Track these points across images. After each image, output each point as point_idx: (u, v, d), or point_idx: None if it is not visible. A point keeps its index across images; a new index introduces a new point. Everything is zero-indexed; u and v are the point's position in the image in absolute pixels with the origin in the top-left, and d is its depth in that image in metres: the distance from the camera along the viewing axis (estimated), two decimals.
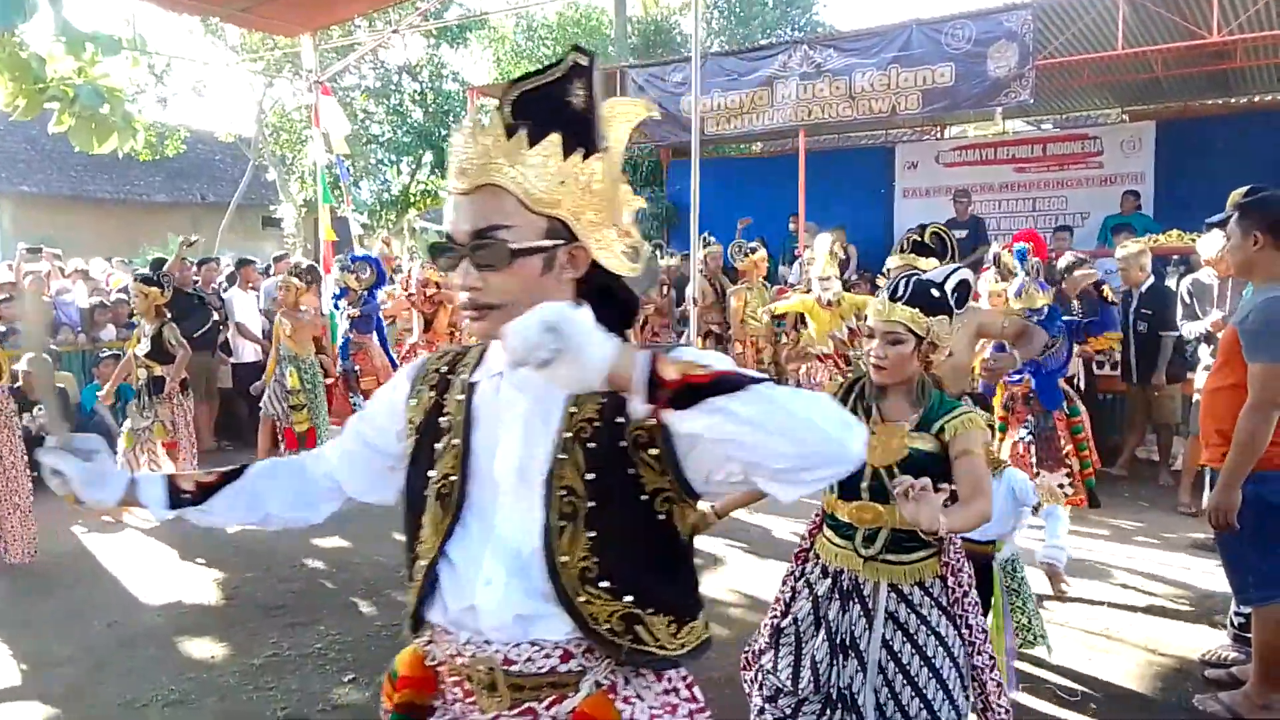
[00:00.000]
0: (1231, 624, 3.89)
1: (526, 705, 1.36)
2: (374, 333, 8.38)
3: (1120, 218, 9.96)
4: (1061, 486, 4.74)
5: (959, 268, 2.65)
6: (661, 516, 1.34)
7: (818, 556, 2.61)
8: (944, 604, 2.47)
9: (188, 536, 5.76)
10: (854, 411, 2.52)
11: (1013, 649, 3.46)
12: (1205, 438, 3.55)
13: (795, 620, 2.57)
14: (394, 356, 8.52)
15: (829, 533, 2.57)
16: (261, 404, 7.43)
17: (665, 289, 9.27)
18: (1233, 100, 11.62)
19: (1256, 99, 11.54)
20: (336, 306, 8.70)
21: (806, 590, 2.60)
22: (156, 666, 4.08)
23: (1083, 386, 7.06)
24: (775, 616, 2.67)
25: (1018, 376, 5.04)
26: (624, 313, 1.44)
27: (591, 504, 1.31)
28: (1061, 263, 6.49)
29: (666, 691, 1.42)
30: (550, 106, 1.30)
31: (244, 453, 8.11)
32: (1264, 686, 3.38)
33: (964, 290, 2.64)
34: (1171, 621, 4.35)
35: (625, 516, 1.32)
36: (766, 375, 1.19)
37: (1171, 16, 8.82)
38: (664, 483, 1.32)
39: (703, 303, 8.09)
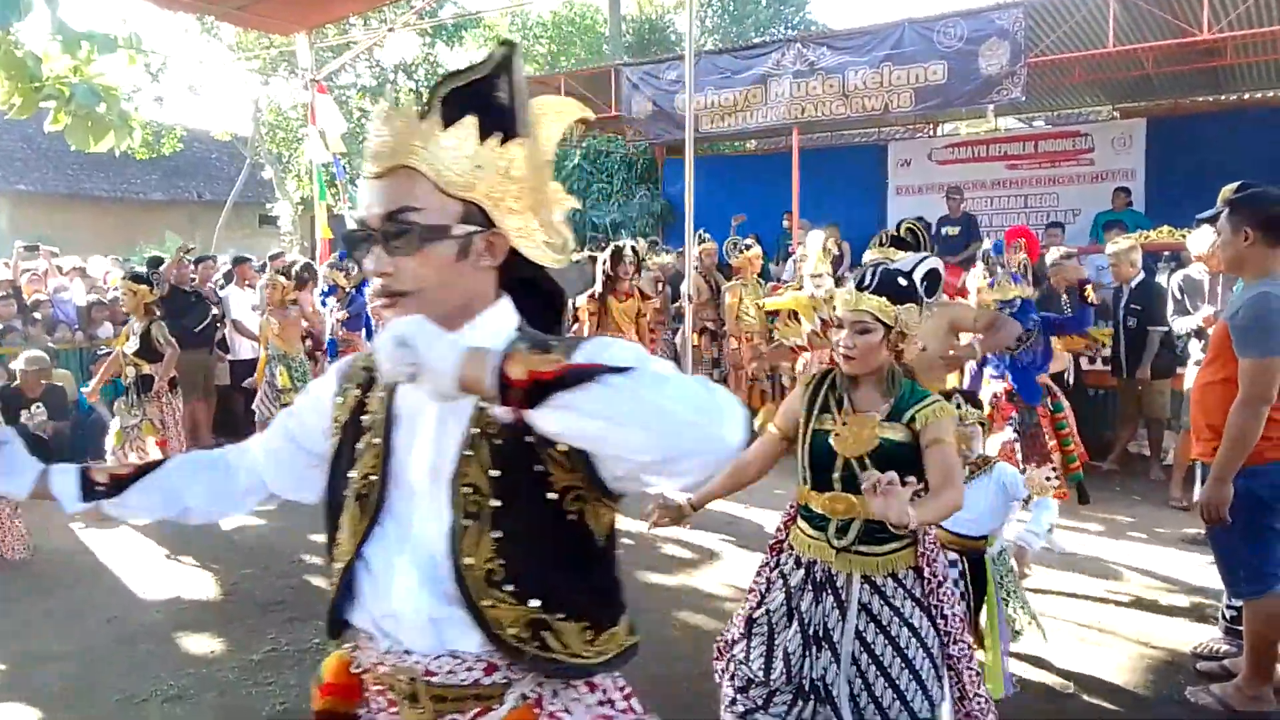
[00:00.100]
0: (1223, 617, 3.92)
1: (449, 717, 1.32)
2: (363, 330, 8.38)
3: (1111, 214, 10.01)
4: (1049, 480, 4.76)
5: (927, 257, 2.66)
6: (572, 516, 1.28)
7: (792, 548, 2.62)
8: (917, 595, 2.48)
9: (186, 534, 5.75)
10: (825, 403, 2.54)
11: (1007, 649, 3.47)
12: (1196, 432, 3.58)
13: (768, 611, 2.58)
14: None
15: (803, 524, 2.58)
16: (255, 406, 7.42)
17: (661, 286, 9.29)
18: (1223, 97, 11.68)
19: (1247, 96, 11.60)
20: (324, 304, 8.71)
21: (780, 581, 2.61)
22: (155, 663, 4.09)
23: (1073, 382, 7.11)
24: (749, 607, 2.67)
25: (997, 374, 5.07)
26: (549, 305, 1.41)
27: (496, 503, 1.26)
28: (1049, 257, 6.53)
29: (601, 703, 1.37)
30: (472, 95, 1.27)
31: None
32: (1255, 678, 3.41)
33: (933, 279, 2.65)
34: (1163, 615, 4.38)
35: (532, 515, 1.26)
36: (637, 365, 1.09)
37: (1162, 14, 8.87)
38: (574, 480, 1.26)
39: (698, 299, 8.11)
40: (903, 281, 2.52)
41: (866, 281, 2.50)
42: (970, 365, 5.10)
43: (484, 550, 1.26)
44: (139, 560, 5.54)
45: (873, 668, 2.41)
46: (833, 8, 60.39)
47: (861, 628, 2.45)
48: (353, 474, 1.37)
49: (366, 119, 21.83)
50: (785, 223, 11.09)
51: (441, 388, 1.08)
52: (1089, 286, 5.38)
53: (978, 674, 2.55)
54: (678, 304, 8.50)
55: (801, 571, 2.56)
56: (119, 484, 1.53)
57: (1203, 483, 3.41)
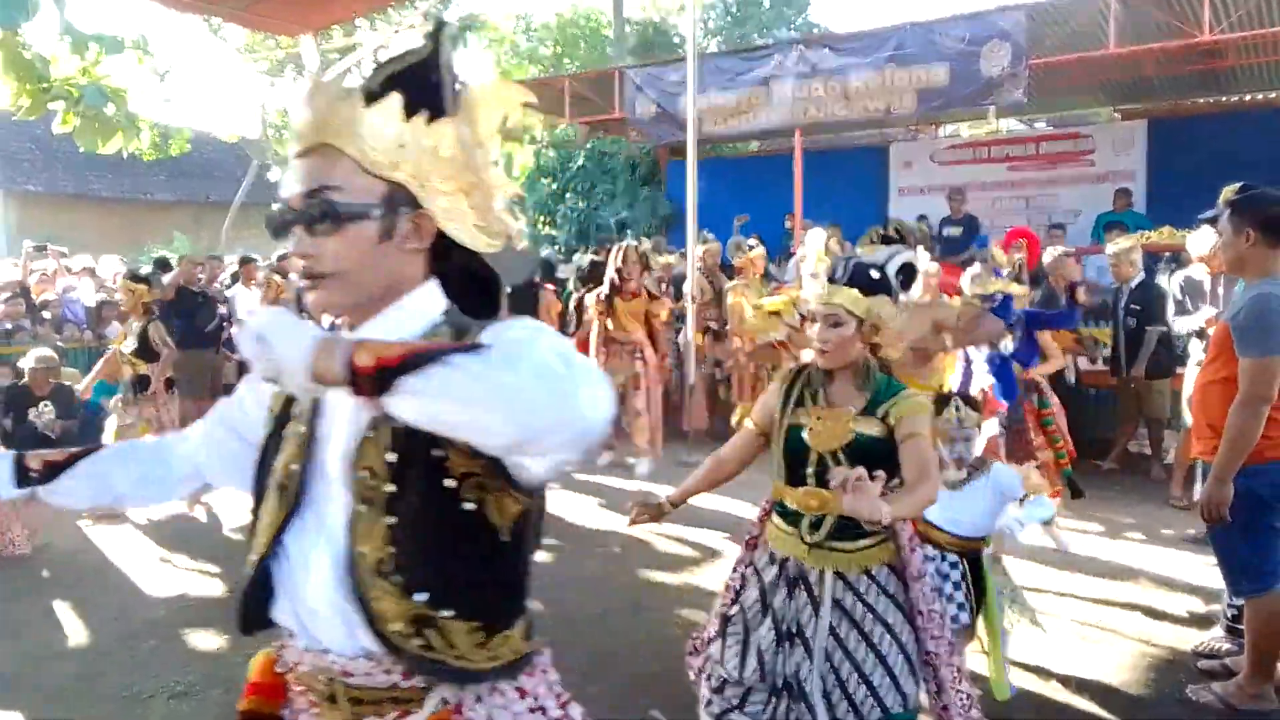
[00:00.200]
0: (1225, 616, 3.92)
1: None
2: None
3: (1112, 215, 10.03)
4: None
5: (901, 251, 2.67)
6: (469, 505, 1.20)
7: (767, 543, 2.61)
8: (892, 591, 2.46)
9: (191, 530, 5.80)
10: (801, 397, 2.53)
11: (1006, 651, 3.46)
12: (1197, 431, 3.60)
13: (743, 608, 2.57)
14: None
15: (777, 519, 2.57)
16: None
17: (665, 286, 9.32)
18: (1224, 99, 11.70)
19: (1247, 98, 11.61)
20: None
21: (755, 578, 2.60)
22: (160, 659, 4.10)
23: (1073, 382, 7.13)
24: (724, 604, 2.66)
25: (991, 370, 5.08)
26: (485, 292, 1.35)
27: (391, 488, 1.20)
28: (1048, 255, 6.55)
29: (533, 710, 1.32)
30: (400, 75, 1.25)
31: None
32: (1257, 677, 3.41)
33: (908, 273, 2.65)
34: (1164, 614, 4.38)
35: (427, 503, 1.20)
36: (496, 344, 1.04)
37: (1163, 16, 8.87)
38: (474, 466, 1.19)
39: (700, 299, 8.15)
40: (874, 274, 2.52)
41: (838, 275, 2.51)
42: (960, 364, 5.12)
43: (376, 537, 1.20)
44: (143, 557, 5.56)
45: (846, 663, 2.39)
46: (835, 10, 60.39)
47: (835, 624, 2.43)
48: (275, 463, 1.33)
49: None
50: (787, 224, 11.10)
51: (298, 380, 1.03)
52: (1080, 289, 5.40)
53: (959, 671, 2.52)
54: (680, 304, 8.53)
55: (775, 568, 2.55)
56: (52, 470, 1.50)
57: (1203, 482, 3.42)
